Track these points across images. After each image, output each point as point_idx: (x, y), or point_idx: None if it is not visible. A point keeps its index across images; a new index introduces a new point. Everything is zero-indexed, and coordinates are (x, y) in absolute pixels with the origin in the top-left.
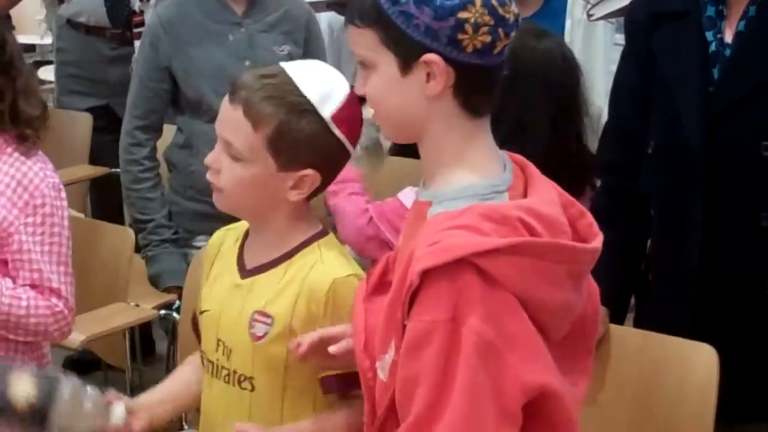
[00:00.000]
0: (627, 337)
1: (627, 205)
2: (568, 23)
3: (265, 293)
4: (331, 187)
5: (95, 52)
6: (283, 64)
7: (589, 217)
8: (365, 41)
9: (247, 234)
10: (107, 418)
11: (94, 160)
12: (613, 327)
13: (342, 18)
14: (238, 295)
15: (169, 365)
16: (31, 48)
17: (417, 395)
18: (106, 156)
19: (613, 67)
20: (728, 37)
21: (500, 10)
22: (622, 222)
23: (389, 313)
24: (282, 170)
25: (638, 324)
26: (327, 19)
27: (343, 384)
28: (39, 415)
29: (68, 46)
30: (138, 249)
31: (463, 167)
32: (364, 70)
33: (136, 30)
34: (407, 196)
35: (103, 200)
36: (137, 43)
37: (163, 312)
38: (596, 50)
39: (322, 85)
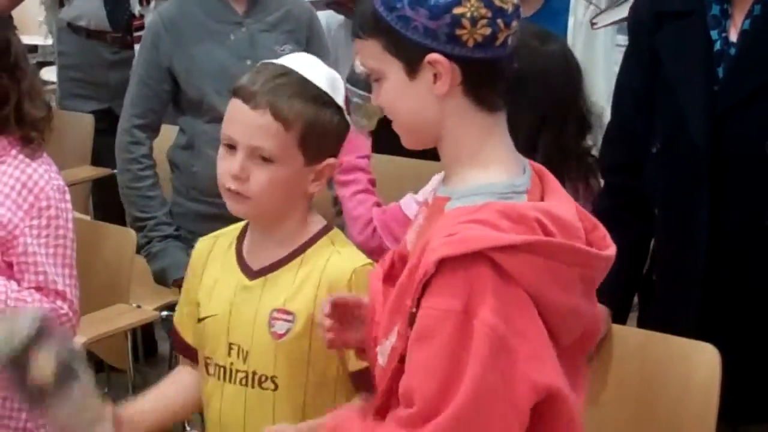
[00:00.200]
0: (629, 336)
1: (630, 204)
2: (570, 22)
3: (281, 291)
4: (340, 176)
5: (96, 55)
6: (280, 61)
7: (603, 230)
8: (371, 52)
9: (242, 237)
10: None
11: (95, 162)
12: (616, 327)
13: (339, 17)
14: (250, 297)
15: (171, 366)
16: (33, 49)
17: (424, 384)
18: (108, 158)
19: (615, 68)
20: (733, 36)
21: (497, 1)
22: (625, 222)
23: (397, 300)
24: (308, 165)
25: (642, 324)
26: (325, 18)
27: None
28: (43, 396)
29: (69, 50)
30: (139, 250)
31: (481, 164)
32: (376, 82)
33: (136, 34)
34: (408, 203)
35: (105, 201)
36: (137, 47)
37: (164, 313)
38: (598, 51)
39: (325, 75)
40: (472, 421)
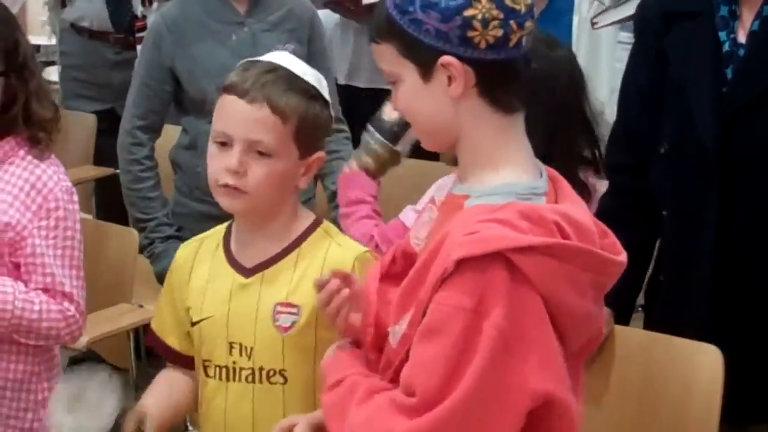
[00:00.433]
0: (632, 337)
1: (635, 205)
2: (575, 20)
3: (282, 285)
4: (344, 209)
5: (99, 56)
6: (266, 58)
7: (613, 237)
8: (386, 56)
9: (227, 237)
10: None
11: (98, 162)
12: (618, 328)
13: (335, 16)
14: (248, 294)
15: None
16: (36, 49)
17: (426, 377)
18: (111, 158)
19: (618, 65)
20: (741, 37)
21: (509, 2)
22: (630, 222)
23: (408, 288)
24: (302, 158)
25: (649, 325)
26: (321, 17)
27: None
28: None
29: (72, 50)
30: (143, 251)
31: (499, 165)
32: (393, 86)
33: (138, 34)
34: (407, 215)
35: (108, 201)
36: (140, 48)
37: None
38: (602, 48)
39: (309, 70)
40: (467, 417)
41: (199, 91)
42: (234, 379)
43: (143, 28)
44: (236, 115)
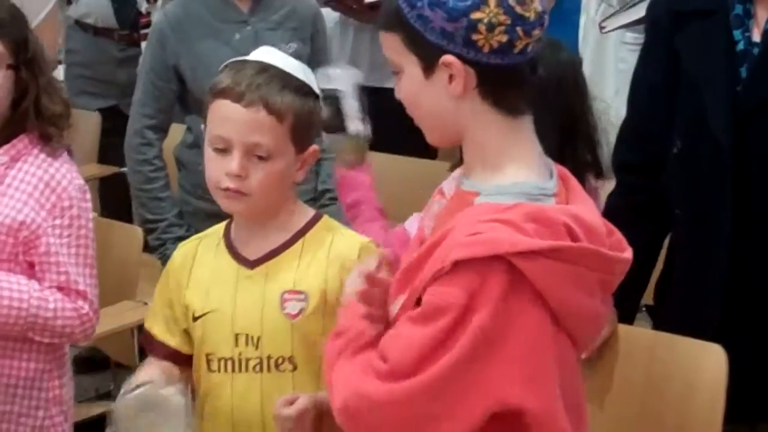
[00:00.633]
0: (635, 336)
1: (643, 204)
2: (582, 20)
3: (288, 274)
4: (349, 212)
5: (103, 53)
6: (252, 57)
7: (618, 234)
8: (392, 45)
9: (227, 234)
10: None
11: (102, 160)
12: (622, 327)
13: (335, 14)
14: (253, 285)
15: None
16: None
17: (403, 351)
18: (115, 156)
19: (622, 65)
20: (756, 36)
21: (518, 9)
22: (636, 221)
23: (407, 271)
24: (298, 154)
25: (659, 325)
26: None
27: None
28: None
29: (77, 47)
30: (147, 249)
31: (507, 166)
32: (396, 75)
33: (143, 31)
34: (412, 225)
35: (112, 199)
36: (144, 47)
37: None
38: (609, 49)
39: (298, 66)
40: (431, 399)
41: (203, 90)
42: (240, 370)
43: (148, 25)
44: (233, 120)
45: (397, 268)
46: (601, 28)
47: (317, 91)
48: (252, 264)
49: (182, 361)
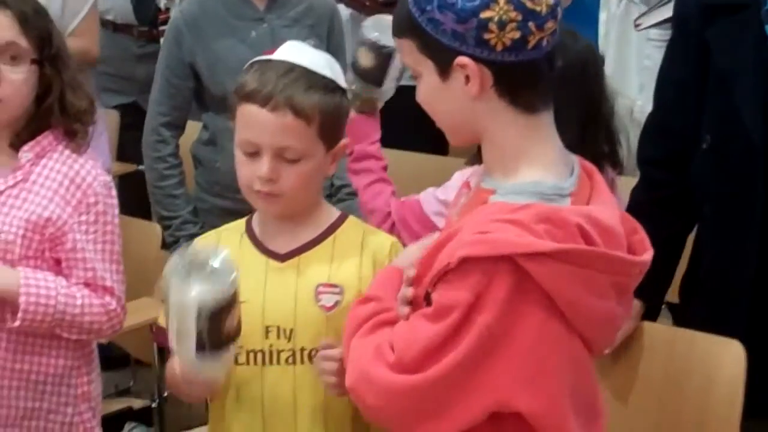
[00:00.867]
0: (654, 332)
1: (667, 199)
2: (603, 17)
3: (321, 267)
4: (353, 165)
5: (123, 49)
6: (275, 57)
7: (642, 233)
8: (408, 51)
9: (249, 227)
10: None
11: (121, 157)
12: (641, 323)
13: (347, 10)
14: (284, 277)
15: None
16: None
17: (409, 345)
18: (134, 153)
19: (647, 62)
20: None
21: (528, 4)
22: (660, 217)
23: (423, 262)
24: (328, 150)
25: (686, 323)
26: None
27: None
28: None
29: None
30: (164, 245)
31: (525, 164)
32: (415, 80)
33: (162, 27)
34: (428, 200)
35: (130, 196)
36: (161, 44)
37: None
38: (631, 45)
39: (324, 60)
40: (423, 398)
41: (219, 88)
42: (272, 362)
43: (167, 21)
44: (260, 124)
45: (412, 240)
46: (636, 25)
47: (342, 84)
48: (282, 257)
49: None
